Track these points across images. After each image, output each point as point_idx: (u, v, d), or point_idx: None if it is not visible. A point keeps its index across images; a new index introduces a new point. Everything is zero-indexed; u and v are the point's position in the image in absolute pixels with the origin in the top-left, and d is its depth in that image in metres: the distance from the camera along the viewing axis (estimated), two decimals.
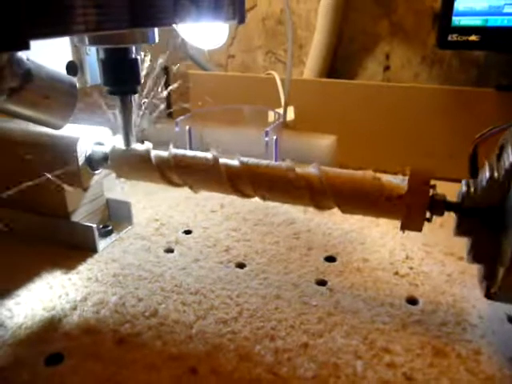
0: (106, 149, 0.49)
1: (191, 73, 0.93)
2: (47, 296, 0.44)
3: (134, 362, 0.36)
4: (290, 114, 0.82)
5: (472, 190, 0.36)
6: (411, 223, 0.38)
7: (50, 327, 0.40)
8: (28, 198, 0.51)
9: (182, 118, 0.69)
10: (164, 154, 0.45)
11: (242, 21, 0.44)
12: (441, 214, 0.38)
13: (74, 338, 0.39)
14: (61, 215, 0.50)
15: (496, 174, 0.34)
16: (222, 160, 0.43)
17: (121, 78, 0.44)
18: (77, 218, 0.51)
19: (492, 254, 0.35)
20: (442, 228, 0.53)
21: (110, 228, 0.54)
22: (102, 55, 0.43)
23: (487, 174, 0.35)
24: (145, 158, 0.45)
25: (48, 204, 0.50)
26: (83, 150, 0.48)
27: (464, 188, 0.37)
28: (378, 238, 0.53)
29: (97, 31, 0.30)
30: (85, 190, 0.51)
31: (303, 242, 0.53)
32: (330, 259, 0.50)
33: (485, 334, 0.39)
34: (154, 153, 0.46)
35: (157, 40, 0.42)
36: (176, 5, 0.35)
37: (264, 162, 0.43)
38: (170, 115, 0.71)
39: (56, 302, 0.43)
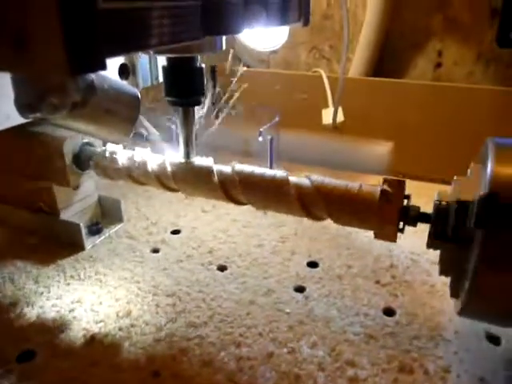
0: (95, 150, 0.49)
1: (235, 70, 0.91)
2: (31, 292, 0.45)
3: (101, 361, 0.37)
4: (340, 116, 0.78)
5: (444, 202, 0.35)
6: (384, 233, 0.37)
7: (28, 323, 0.41)
8: (19, 195, 0.53)
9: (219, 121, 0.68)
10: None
11: (306, 23, 0.42)
12: (414, 224, 0.37)
13: (48, 335, 0.40)
14: (51, 212, 0.52)
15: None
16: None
17: (185, 88, 0.40)
18: (67, 215, 0.52)
19: (459, 268, 0.33)
20: None
21: (100, 226, 0.55)
22: (165, 63, 0.40)
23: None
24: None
25: (39, 201, 0.52)
26: (70, 150, 0.49)
27: (436, 199, 0.36)
28: (365, 244, 0.52)
29: (172, 43, 0.27)
30: (74, 188, 0.52)
31: (288, 245, 0.52)
32: (313, 265, 0.49)
33: (458, 350, 0.38)
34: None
35: (224, 47, 0.39)
36: (246, 10, 0.32)
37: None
38: (218, 116, 0.69)
39: (37, 298, 0.44)
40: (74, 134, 0.49)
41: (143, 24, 0.24)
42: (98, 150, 0.50)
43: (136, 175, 0.46)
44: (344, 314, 0.42)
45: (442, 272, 0.35)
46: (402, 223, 0.37)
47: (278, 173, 0.40)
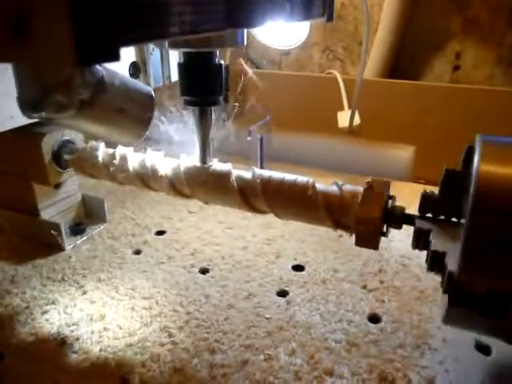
0: (76, 147, 0.48)
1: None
2: (5, 292, 0.44)
3: (69, 366, 0.36)
4: (356, 119, 0.76)
5: (430, 201, 0.33)
6: (365, 240, 0.35)
7: None
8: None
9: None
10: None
11: (330, 18, 0.38)
12: (399, 227, 0.35)
13: (18, 338, 0.38)
14: (31, 211, 0.50)
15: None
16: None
17: (203, 87, 0.37)
18: (48, 214, 0.51)
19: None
20: None
21: (82, 226, 0.53)
22: (181, 59, 0.37)
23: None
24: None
25: (19, 200, 0.51)
26: (50, 147, 0.48)
27: (422, 199, 0.34)
28: (354, 247, 0.50)
29: (194, 33, 0.24)
30: (55, 187, 0.51)
31: (274, 248, 0.51)
32: (298, 268, 0.47)
33: (445, 360, 0.36)
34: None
35: (245, 43, 0.36)
36: (269, 1, 0.29)
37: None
38: (228, 118, 0.68)
39: (11, 299, 0.43)
40: (54, 129, 0.48)
41: (163, 9, 0.21)
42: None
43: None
44: (326, 321, 0.40)
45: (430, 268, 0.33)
46: (385, 226, 0.35)
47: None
